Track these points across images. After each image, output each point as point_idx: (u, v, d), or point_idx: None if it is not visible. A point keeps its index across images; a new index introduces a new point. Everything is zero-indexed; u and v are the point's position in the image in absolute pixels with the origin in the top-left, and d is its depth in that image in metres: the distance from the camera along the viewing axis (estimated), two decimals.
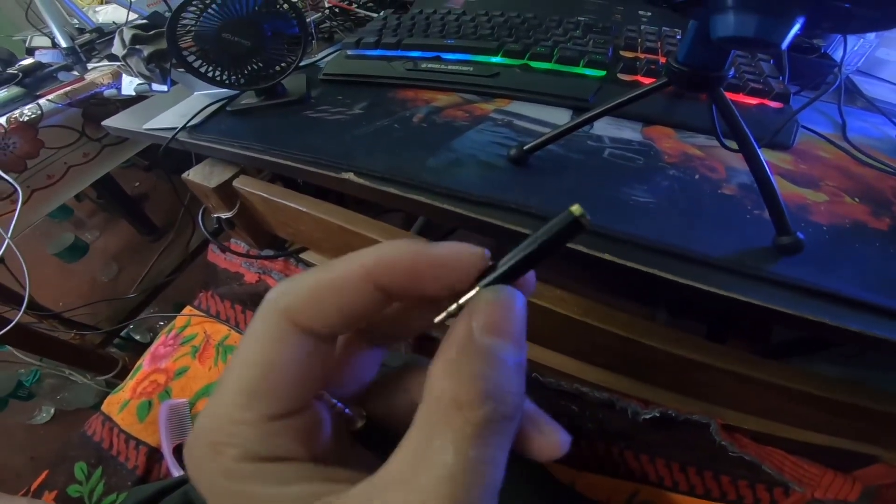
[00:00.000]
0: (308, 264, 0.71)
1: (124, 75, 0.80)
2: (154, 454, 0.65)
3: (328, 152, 0.47)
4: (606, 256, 0.32)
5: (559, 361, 0.55)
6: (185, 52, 0.52)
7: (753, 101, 0.51)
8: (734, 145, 0.41)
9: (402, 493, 0.13)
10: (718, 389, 0.47)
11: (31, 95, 0.83)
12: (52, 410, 1.28)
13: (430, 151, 0.45)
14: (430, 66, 0.59)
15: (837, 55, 0.59)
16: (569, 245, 0.33)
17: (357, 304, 0.16)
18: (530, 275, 0.17)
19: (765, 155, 0.34)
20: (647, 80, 0.52)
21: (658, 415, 0.50)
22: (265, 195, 0.60)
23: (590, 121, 0.40)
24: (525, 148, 0.41)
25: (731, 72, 0.53)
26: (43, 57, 0.95)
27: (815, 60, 0.59)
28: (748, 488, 0.49)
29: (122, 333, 1.22)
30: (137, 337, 1.29)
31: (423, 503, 0.13)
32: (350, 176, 0.43)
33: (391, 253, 0.16)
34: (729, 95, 0.42)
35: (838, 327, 0.30)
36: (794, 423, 0.48)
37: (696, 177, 0.41)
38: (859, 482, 0.44)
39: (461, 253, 0.16)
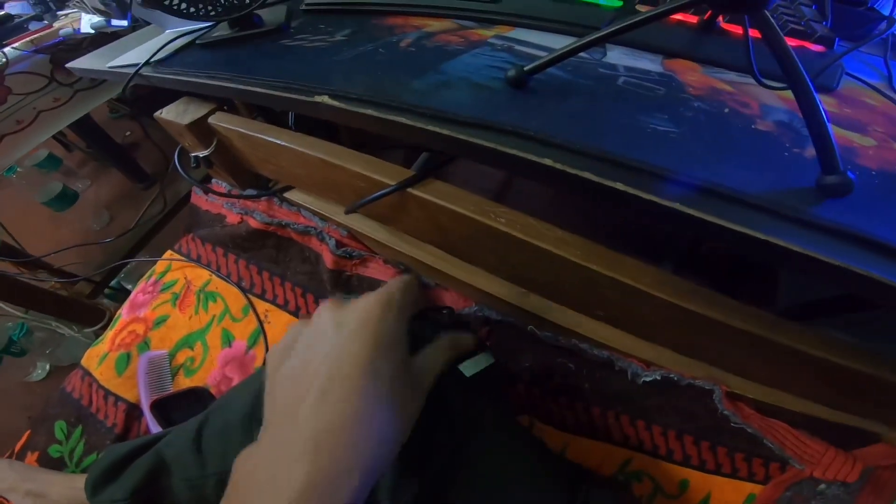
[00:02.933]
0: (292, 204, 0.67)
1: (82, 14, 0.74)
2: (133, 410, 0.64)
3: (302, 77, 0.42)
4: (619, 186, 0.26)
5: (557, 313, 0.51)
6: None
7: (793, 42, 0.46)
8: (773, 84, 0.37)
9: None
10: (727, 352, 0.43)
11: None
12: (48, 367, 1.26)
13: (417, 74, 0.39)
14: None
15: (885, 10, 0.54)
16: (575, 172, 0.29)
17: None
18: None
19: None
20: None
21: (659, 378, 0.47)
22: (242, 130, 0.55)
23: (607, 38, 0.34)
24: (525, 69, 0.35)
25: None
26: (12, 9, 0.93)
27: (861, 12, 0.54)
28: (744, 461, 0.47)
29: (113, 283, 1.19)
30: (129, 286, 1.26)
31: None
32: (324, 99, 0.37)
33: None
34: None
35: (890, 285, 0.25)
36: (802, 394, 0.45)
37: (726, 110, 0.35)
38: (860, 462, 0.42)
39: None
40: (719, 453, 0.47)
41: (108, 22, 0.63)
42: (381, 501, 0.38)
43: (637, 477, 0.50)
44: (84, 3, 0.57)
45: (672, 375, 0.47)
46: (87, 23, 0.66)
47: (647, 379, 0.48)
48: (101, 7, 0.56)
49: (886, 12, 0.53)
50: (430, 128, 0.32)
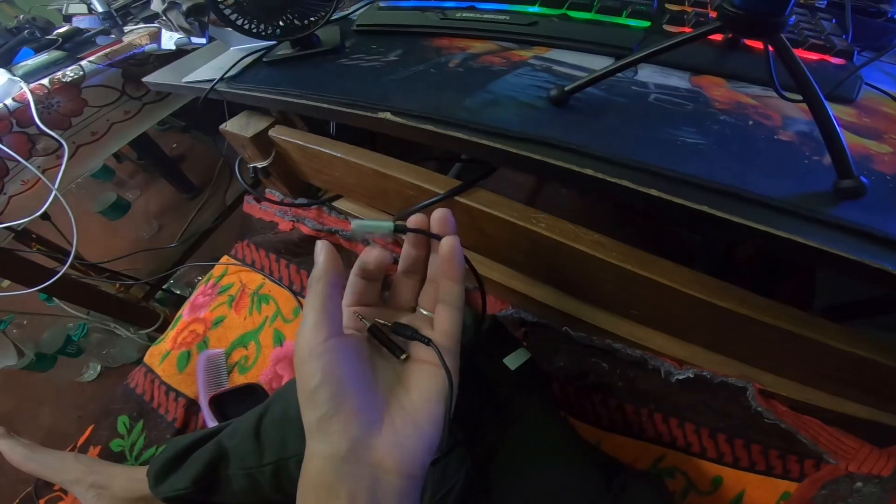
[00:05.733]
0: (340, 212, 0.72)
1: (164, 31, 0.81)
2: (192, 406, 0.68)
3: (365, 94, 0.47)
4: (653, 192, 0.30)
5: (592, 314, 0.53)
6: (221, 5, 0.52)
7: (813, 56, 0.48)
8: (793, 96, 0.40)
9: None
10: (760, 350, 0.45)
11: (72, 58, 0.85)
12: (99, 368, 1.34)
13: (467, 93, 0.44)
14: (464, 15, 0.58)
15: None
16: (613, 180, 0.33)
17: None
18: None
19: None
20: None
21: (692, 376, 0.49)
22: (300, 143, 0.60)
23: (638, 61, 0.38)
24: (566, 89, 0.40)
25: (792, 19, 0.50)
26: (80, 23, 0.97)
27: (881, 23, 0.56)
28: (779, 459, 0.47)
29: (164, 287, 1.26)
30: (177, 291, 1.34)
31: None
32: (387, 115, 0.42)
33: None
34: None
35: None
36: (834, 391, 0.46)
37: (750, 122, 0.38)
38: (894, 458, 0.42)
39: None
40: (753, 451, 0.48)
41: (190, 40, 0.68)
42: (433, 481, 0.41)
43: (670, 473, 0.50)
44: (170, 22, 0.63)
45: (705, 373, 0.48)
46: (171, 40, 0.72)
47: (680, 377, 0.49)
48: (186, 26, 0.62)
49: None
50: (485, 142, 0.36)
